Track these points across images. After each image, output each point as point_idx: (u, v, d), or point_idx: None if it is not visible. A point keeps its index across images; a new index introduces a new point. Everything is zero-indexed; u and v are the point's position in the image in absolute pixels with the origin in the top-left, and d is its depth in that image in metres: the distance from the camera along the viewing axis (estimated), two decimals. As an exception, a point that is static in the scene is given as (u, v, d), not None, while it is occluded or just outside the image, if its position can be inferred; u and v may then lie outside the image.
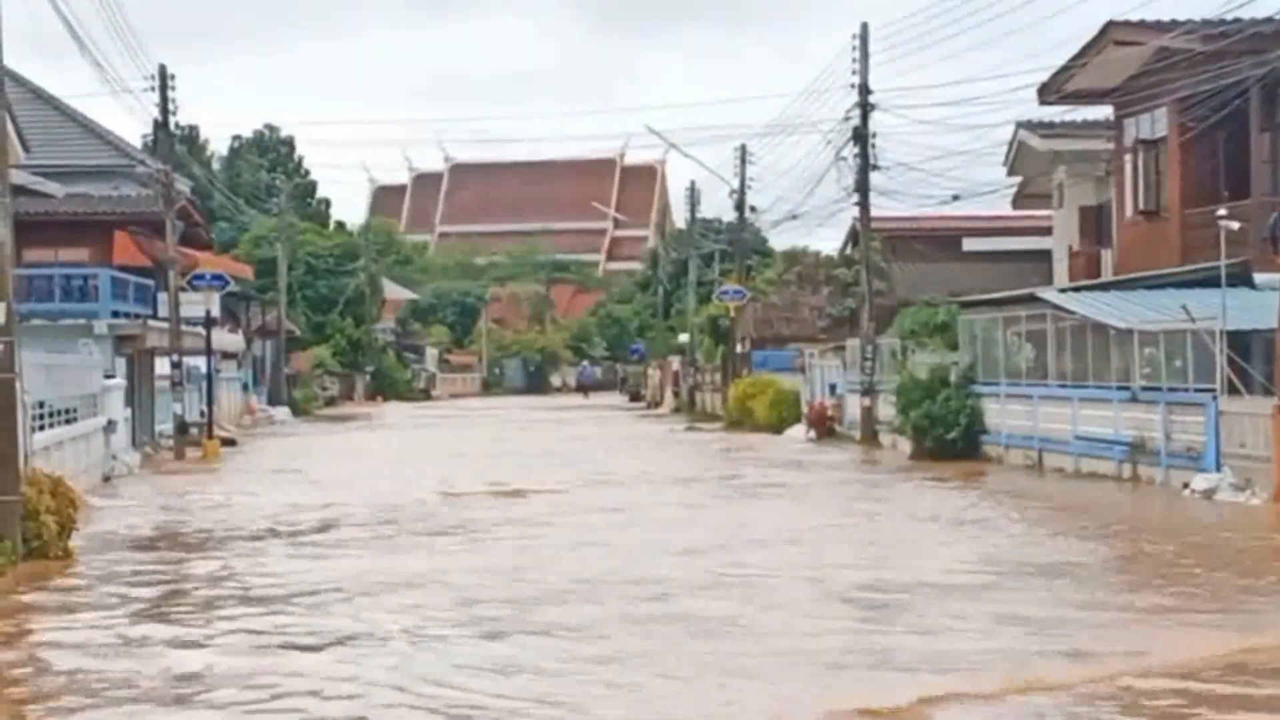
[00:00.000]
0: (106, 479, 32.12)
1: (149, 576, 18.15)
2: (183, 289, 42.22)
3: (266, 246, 77.09)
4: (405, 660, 12.80)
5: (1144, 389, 28.21)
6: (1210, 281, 28.40)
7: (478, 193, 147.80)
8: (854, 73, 44.04)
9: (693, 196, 74.86)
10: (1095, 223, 41.77)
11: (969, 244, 54.03)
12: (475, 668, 12.47)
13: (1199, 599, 15.67)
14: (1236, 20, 30.31)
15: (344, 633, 14.04)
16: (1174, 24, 32.85)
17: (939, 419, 35.38)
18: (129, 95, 40.61)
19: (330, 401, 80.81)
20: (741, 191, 61.83)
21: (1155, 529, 21.98)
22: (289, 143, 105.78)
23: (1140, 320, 28.58)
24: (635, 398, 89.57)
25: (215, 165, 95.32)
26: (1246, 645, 12.99)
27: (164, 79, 42.61)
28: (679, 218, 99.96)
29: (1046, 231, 47.23)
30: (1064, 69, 36.23)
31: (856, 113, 43.91)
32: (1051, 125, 42.57)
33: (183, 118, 46.38)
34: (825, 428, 45.56)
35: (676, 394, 75.11)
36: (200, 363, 45.77)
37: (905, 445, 37.32)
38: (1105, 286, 33.31)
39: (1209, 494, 24.78)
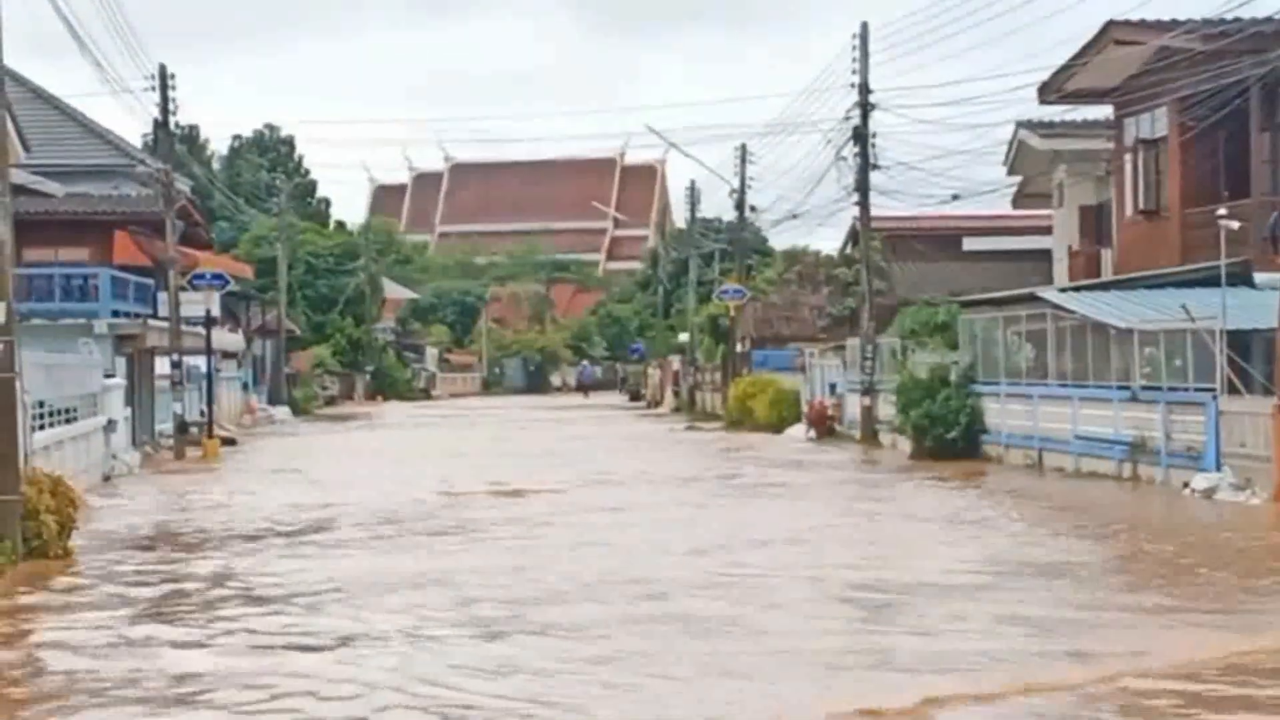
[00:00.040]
0: (106, 478, 32.13)
1: (149, 576, 18.15)
2: (183, 288, 42.22)
3: (266, 246, 77.09)
4: (404, 661, 12.79)
5: (1144, 389, 28.20)
6: (1210, 281, 28.40)
7: (478, 192, 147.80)
8: (854, 72, 44.03)
9: (693, 196, 74.90)
10: (1095, 222, 41.76)
11: (969, 243, 54.03)
12: (474, 668, 12.46)
13: (1200, 599, 15.66)
14: (1237, 20, 30.30)
15: (343, 633, 14.03)
16: (1174, 23, 32.84)
17: (939, 418, 35.37)
18: (129, 95, 40.66)
19: (330, 401, 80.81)
20: (741, 191, 61.84)
21: (1155, 529, 21.98)
22: (289, 142, 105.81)
23: (1140, 320, 28.58)
24: (635, 397, 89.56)
25: (215, 165, 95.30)
26: (1247, 645, 12.98)
27: (164, 78, 42.61)
28: (679, 217, 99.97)
29: (1046, 231, 47.23)
30: (1064, 68, 36.23)
31: (856, 112, 43.90)
32: (1051, 125, 42.56)
33: (183, 117, 46.42)
34: (825, 427, 45.55)
35: (676, 393, 75.10)
36: (200, 362, 45.77)
37: (905, 445, 37.32)
38: (1105, 286, 33.30)
39: (1209, 493, 24.77)
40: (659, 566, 18.15)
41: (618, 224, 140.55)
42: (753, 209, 62.12)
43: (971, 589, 16.35)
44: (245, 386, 64.67)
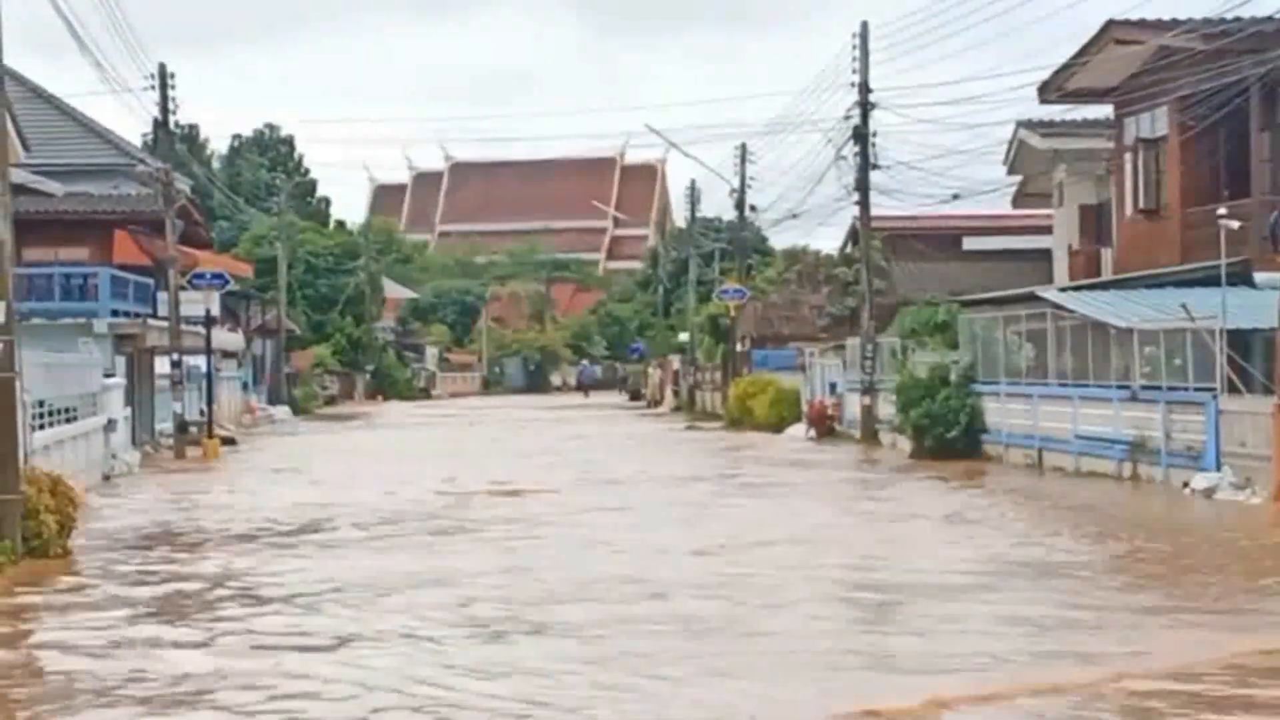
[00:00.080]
0: (106, 478, 32.12)
1: (149, 575, 18.14)
2: (183, 288, 42.20)
3: (266, 245, 77.11)
4: (403, 661, 12.77)
5: (1144, 388, 28.20)
6: (1210, 280, 28.39)
7: (478, 191, 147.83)
8: (854, 71, 44.02)
9: (693, 195, 74.93)
10: (1095, 221, 41.75)
11: (969, 243, 54.02)
12: (473, 669, 12.45)
13: (1200, 599, 15.67)
14: (1237, 19, 30.30)
15: (343, 633, 14.02)
16: (1174, 23, 32.84)
17: (939, 418, 35.36)
18: (129, 94, 40.65)
19: (330, 400, 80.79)
20: (742, 190, 61.84)
21: (1155, 528, 21.95)
22: (289, 141, 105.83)
23: (1140, 319, 28.58)
24: (635, 397, 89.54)
25: (215, 164, 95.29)
26: (1248, 645, 12.97)
27: (164, 78, 42.61)
28: (679, 217, 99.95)
29: (1047, 230, 47.21)
30: (1064, 68, 36.24)
31: (857, 111, 43.88)
32: (1052, 124, 42.56)
33: (183, 116, 46.38)
34: (825, 427, 45.54)
35: (676, 393, 75.09)
36: (200, 362, 45.74)
37: (905, 444, 37.31)
38: (1105, 285, 33.30)
39: (1209, 493, 24.77)
40: (659, 566, 18.14)
41: (618, 223, 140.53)
42: (753, 208, 62.14)
43: (971, 589, 16.34)
44: (245, 386, 64.65)
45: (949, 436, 35.12)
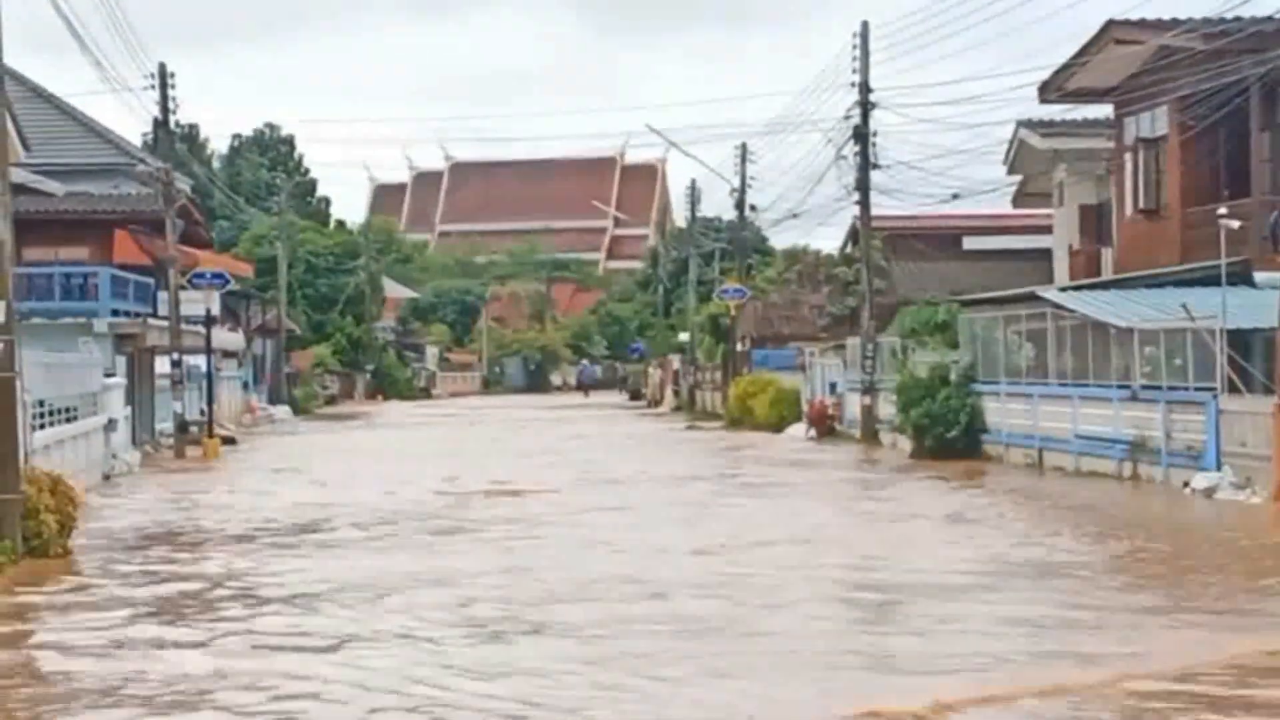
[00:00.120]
0: (107, 477, 32.12)
1: (149, 575, 18.13)
2: (183, 287, 42.20)
3: (267, 245, 77.12)
4: (402, 662, 12.77)
5: (1144, 388, 28.19)
6: (1210, 280, 28.39)
7: (478, 191, 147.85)
8: (854, 71, 44.02)
9: (693, 195, 74.92)
10: (1095, 221, 41.75)
11: (969, 242, 54.01)
12: (472, 669, 12.44)
13: (1201, 599, 15.66)
14: (1237, 19, 30.31)
15: (343, 633, 14.02)
16: (1174, 22, 32.84)
17: (939, 418, 35.35)
18: (129, 94, 40.64)
19: (330, 400, 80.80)
20: (742, 190, 61.84)
21: (1156, 528, 21.95)
22: (289, 141, 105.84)
23: (1140, 319, 28.57)
24: (635, 396, 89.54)
25: (215, 164, 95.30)
26: (1249, 646, 12.96)
27: (164, 77, 42.60)
28: (679, 216, 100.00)
29: (1047, 230, 47.21)
30: (1064, 67, 36.24)
31: (857, 111, 43.88)
32: (1052, 124, 42.56)
33: (183, 116, 46.38)
34: (825, 426, 45.54)
35: (677, 393, 75.09)
36: (200, 361, 45.74)
37: (905, 444, 37.31)
38: (1105, 285, 33.30)
39: (1209, 493, 24.77)
40: (658, 566, 18.14)
41: (618, 223, 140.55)
42: (753, 208, 62.14)
43: (972, 589, 16.33)
44: (245, 386, 64.65)
45: (949, 436, 35.12)
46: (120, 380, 36.73)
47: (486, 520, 23.65)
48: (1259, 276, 29.18)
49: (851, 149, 44.02)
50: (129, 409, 37.77)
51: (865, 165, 43.89)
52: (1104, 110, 39.53)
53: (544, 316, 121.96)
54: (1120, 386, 29.00)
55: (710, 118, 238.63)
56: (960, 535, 21.37)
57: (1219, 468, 25.23)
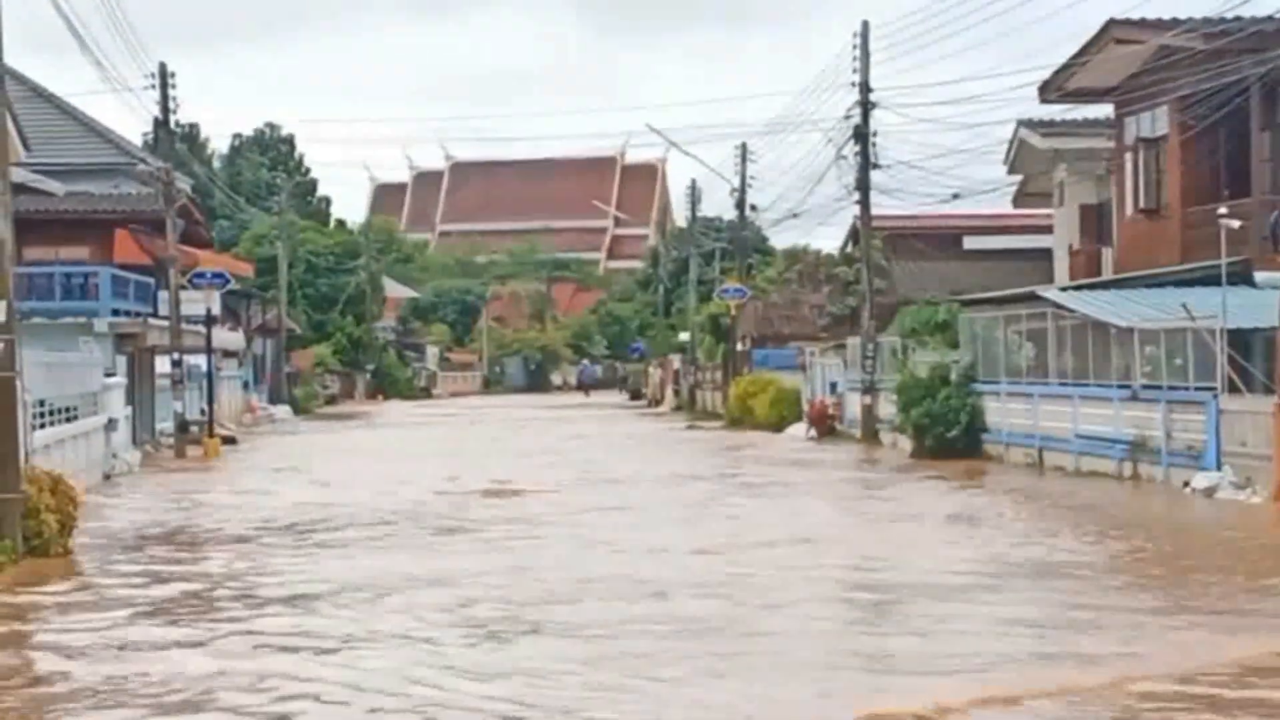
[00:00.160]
0: (107, 477, 32.12)
1: (149, 575, 18.13)
2: (183, 287, 42.21)
3: (267, 245, 77.12)
4: (402, 662, 12.76)
5: (1144, 387, 28.19)
6: (1211, 280, 28.39)
7: (478, 191, 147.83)
8: (855, 71, 44.02)
9: (693, 195, 74.92)
10: (1096, 221, 41.76)
11: (970, 242, 54.01)
12: (472, 670, 12.44)
13: (1201, 599, 15.65)
14: (1237, 18, 30.31)
15: (343, 634, 14.01)
16: (1175, 22, 32.84)
17: (939, 417, 35.36)
18: (129, 93, 40.65)
19: (331, 400, 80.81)
20: (742, 190, 61.84)
21: (1156, 528, 21.95)
22: (289, 141, 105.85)
23: (1141, 319, 28.58)
24: (636, 396, 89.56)
25: (216, 163, 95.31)
26: (1250, 646, 12.95)
27: (164, 77, 42.59)
28: (680, 216, 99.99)
29: (1047, 230, 47.21)
30: (1065, 67, 36.24)
31: (857, 111, 43.89)
32: (1052, 123, 42.56)
33: (183, 116, 46.39)
34: (826, 426, 45.54)
35: (677, 392, 75.09)
36: (201, 361, 45.75)
37: (906, 444, 37.31)
38: (1106, 285, 33.31)
39: (1209, 492, 24.77)
40: (659, 566, 18.14)
41: (618, 223, 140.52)
42: (753, 208, 62.15)
43: (972, 589, 16.33)
44: (246, 385, 64.67)
45: (949, 436, 35.12)
46: (120, 380, 36.74)
47: (487, 520, 23.64)
48: (1259, 276, 29.17)
49: (852, 149, 44.03)
50: (129, 409, 37.77)
51: (865, 165, 43.90)
52: (1104, 110, 39.54)
53: (544, 316, 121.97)
54: (1120, 386, 29.00)
55: (710, 118, 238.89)
56: (960, 535, 21.37)
57: (1219, 467, 25.23)
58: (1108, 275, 37.44)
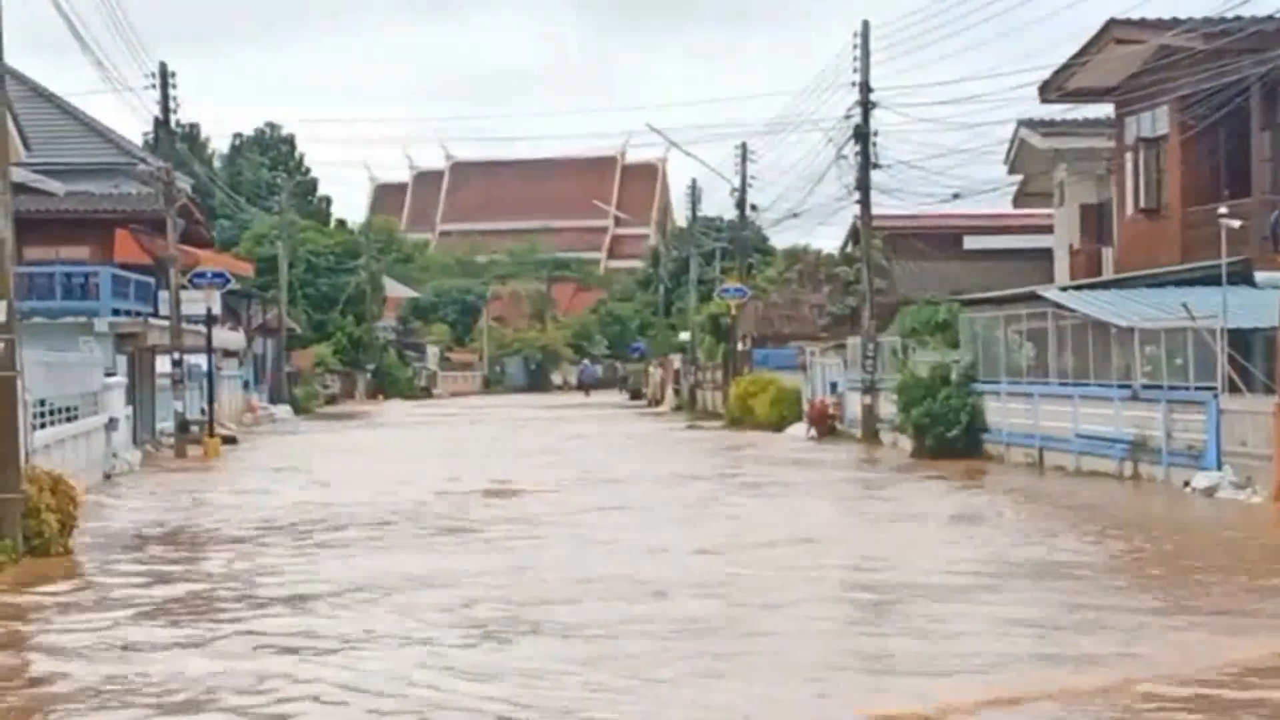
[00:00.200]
0: (107, 477, 32.12)
1: (150, 575, 18.13)
2: (184, 287, 42.22)
3: (267, 244, 77.13)
4: (402, 663, 12.75)
5: (1145, 387, 28.19)
6: (1211, 280, 28.39)
7: (479, 191, 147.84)
8: (855, 71, 44.02)
9: (694, 194, 74.93)
10: (1096, 221, 41.76)
11: (970, 242, 54.01)
12: (471, 670, 12.43)
13: (1202, 599, 15.64)
14: (1237, 18, 30.31)
15: (343, 634, 14.01)
16: (1175, 22, 32.85)
17: (940, 417, 35.36)
18: (130, 93, 40.71)
19: (331, 400, 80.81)
20: (742, 190, 61.84)
21: (1156, 528, 21.93)
22: (290, 140, 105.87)
23: (1141, 318, 28.57)
24: (636, 396, 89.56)
25: (216, 163, 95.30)
26: (1250, 646, 12.94)
27: (165, 77, 42.61)
28: (680, 216, 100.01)
29: (1047, 229, 47.21)
30: (1065, 67, 36.24)
31: (857, 111, 43.89)
32: (1052, 123, 42.56)
33: (184, 115, 46.45)
34: (826, 426, 45.54)
35: (677, 392, 75.09)
36: (201, 360, 45.75)
37: (906, 443, 37.31)
38: (1106, 285, 33.30)
39: (1210, 492, 24.77)
40: (659, 566, 18.13)
41: (618, 222, 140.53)
42: (753, 208, 62.15)
43: (972, 589, 16.32)
44: (246, 385, 64.67)
45: (950, 436, 35.12)
46: (121, 379, 36.75)
47: (487, 520, 23.64)
48: (1259, 276, 29.18)
49: (852, 148, 44.03)
50: (130, 408, 37.78)
51: (866, 165, 43.90)
52: (1104, 110, 39.53)
53: (545, 316, 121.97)
54: (1121, 386, 29.00)
55: (710, 118, 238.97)
56: (961, 535, 21.36)
57: (1219, 467, 25.23)
58: (1108, 275, 37.44)
